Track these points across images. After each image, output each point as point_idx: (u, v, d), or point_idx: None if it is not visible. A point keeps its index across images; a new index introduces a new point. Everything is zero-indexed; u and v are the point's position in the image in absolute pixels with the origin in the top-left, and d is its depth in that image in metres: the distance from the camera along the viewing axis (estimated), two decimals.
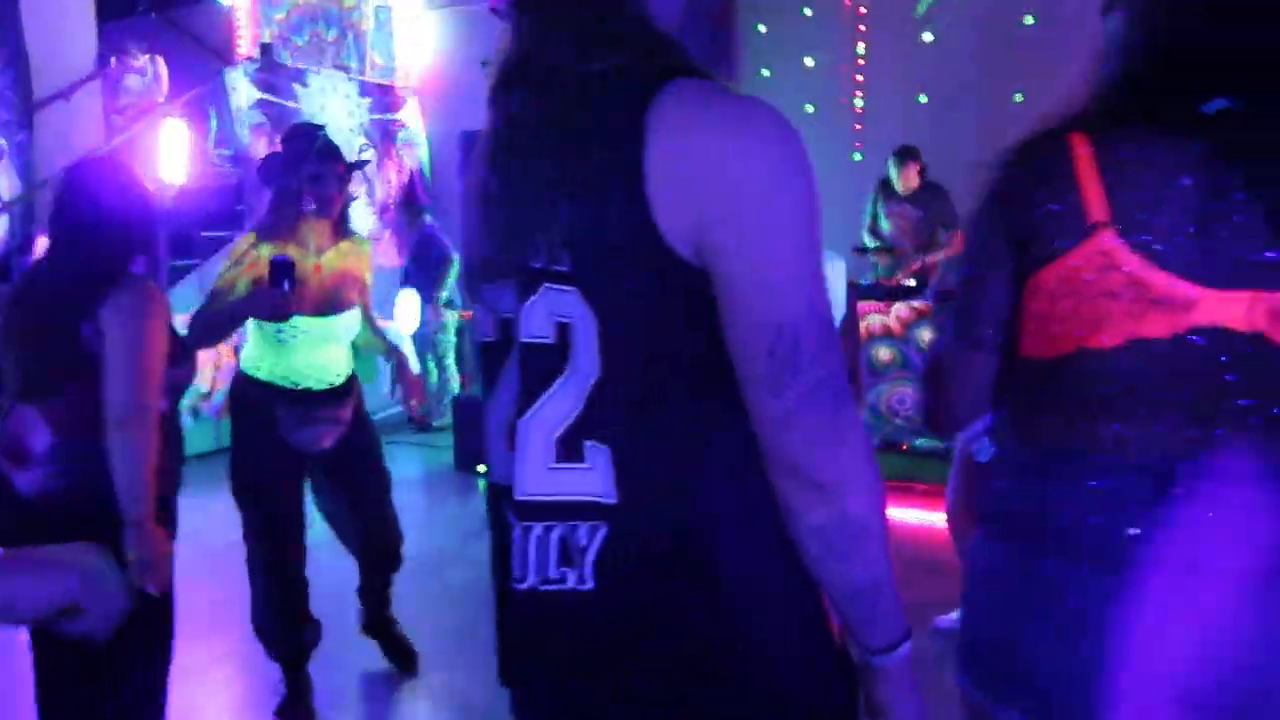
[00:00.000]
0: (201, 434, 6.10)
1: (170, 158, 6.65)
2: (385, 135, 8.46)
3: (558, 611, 1.00)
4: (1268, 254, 1.07)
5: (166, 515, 2.02)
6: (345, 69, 8.30)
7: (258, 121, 7.46)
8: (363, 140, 8.19)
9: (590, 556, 0.97)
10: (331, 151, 2.87)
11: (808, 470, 0.92)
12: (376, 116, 8.39)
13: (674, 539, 0.96)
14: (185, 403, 6.67)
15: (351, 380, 3.02)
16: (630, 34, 0.98)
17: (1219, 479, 1.10)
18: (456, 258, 6.79)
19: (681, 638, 0.96)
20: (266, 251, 2.77)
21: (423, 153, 8.76)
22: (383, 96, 8.49)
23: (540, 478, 1.00)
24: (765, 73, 7.21)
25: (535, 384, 1.01)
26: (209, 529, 3.32)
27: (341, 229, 2.94)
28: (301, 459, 2.93)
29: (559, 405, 0.99)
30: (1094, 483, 1.13)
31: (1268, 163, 1.08)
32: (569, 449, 0.99)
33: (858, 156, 7.02)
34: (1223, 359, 1.09)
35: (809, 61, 7.21)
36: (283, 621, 2.92)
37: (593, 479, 0.97)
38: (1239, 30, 1.10)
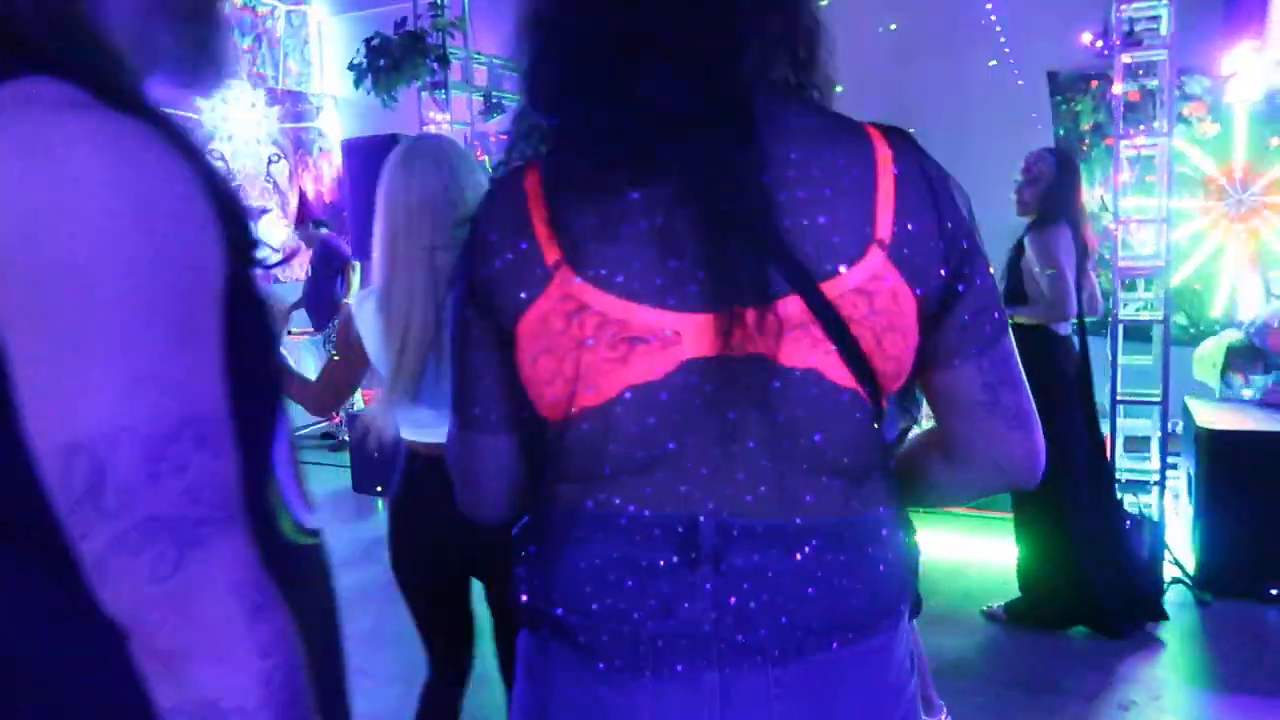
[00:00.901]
0: None
1: None
2: (299, 144, 8.20)
3: None
4: (744, 263, 0.87)
5: None
6: (262, 77, 8.03)
7: None
8: (274, 150, 7.94)
9: None
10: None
11: (140, 635, 0.69)
12: (288, 125, 8.12)
13: None
14: None
15: None
16: None
17: (737, 547, 0.90)
18: (358, 264, 6.60)
19: None
20: None
21: (336, 160, 8.50)
22: (295, 105, 8.22)
23: None
24: None
25: None
26: None
27: None
28: None
29: None
30: (599, 562, 0.93)
31: (704, 163, 0.88)
32: None
33: None
34: (724, 396, 0.89)
35: None
36: None
37: None
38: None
